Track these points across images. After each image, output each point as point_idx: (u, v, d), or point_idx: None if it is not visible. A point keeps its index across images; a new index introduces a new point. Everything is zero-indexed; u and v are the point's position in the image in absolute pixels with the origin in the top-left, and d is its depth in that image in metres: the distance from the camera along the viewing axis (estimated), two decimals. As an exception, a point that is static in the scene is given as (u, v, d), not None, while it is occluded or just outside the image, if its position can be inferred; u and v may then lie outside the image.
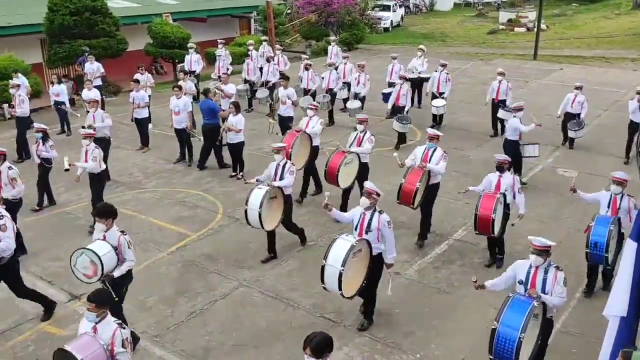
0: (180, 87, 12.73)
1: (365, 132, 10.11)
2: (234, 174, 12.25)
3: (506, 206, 8.29)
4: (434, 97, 15.19)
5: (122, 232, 6.47)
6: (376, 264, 6.96)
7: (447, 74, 15.28)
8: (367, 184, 7.05)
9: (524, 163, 11.73)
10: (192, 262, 8.83)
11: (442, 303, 7.87)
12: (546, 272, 5.76)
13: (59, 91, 14.61)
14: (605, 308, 5.39)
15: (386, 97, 15.98)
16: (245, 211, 8.35)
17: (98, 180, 9.65)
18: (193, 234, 9.71)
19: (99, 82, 16.61)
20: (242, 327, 7.27)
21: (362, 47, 29.45)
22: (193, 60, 18.31)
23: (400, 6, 40.30)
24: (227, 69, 18.06)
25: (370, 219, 6.85)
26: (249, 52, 18.72)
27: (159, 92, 18.47)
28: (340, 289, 6.36)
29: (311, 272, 8.06)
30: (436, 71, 15.44)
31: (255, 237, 9.22)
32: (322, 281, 6.54)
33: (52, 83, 14.82)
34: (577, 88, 13.74)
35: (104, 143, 10.78)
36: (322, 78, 16.34)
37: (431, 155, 8.90)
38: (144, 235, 9.56)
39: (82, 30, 18.46)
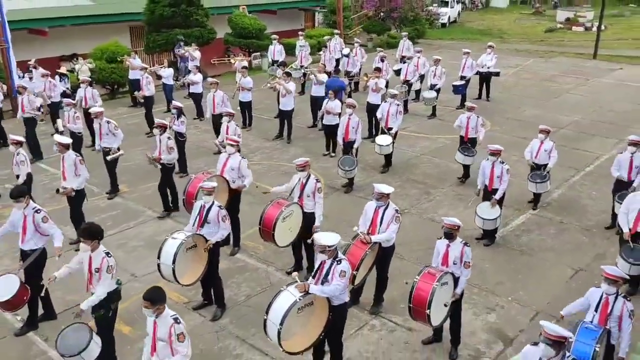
0: (290, 75, 14.61)
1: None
2: (326, 152, 13.91)
3: (457, 281, 6.78)
4: (382, 131, 12.78)
5: (107, 253, 6.31)
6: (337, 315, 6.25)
7: (398, 104, 12.87)
8: (316, 235, 6.26)
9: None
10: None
11: (525, 262, 9.33)
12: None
13: (168, 74, 16.55)
14: None
15: (456, 89, 17.39)
16: (158, 265, 7.17)
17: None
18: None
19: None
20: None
21: (423, 42, 30.65)
22: (276, 50, 20.03)
23: (457, 2, 41.29)
24: (308, 59, 19.69)
25: (329, 270, 6.12)
26: (327, 44, 20.31)
27: (228, 80, 20.00)
28: (280, 344, 5.82)
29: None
30: (385, 101, 13.17)
31: (353, 206, 10.78)
32: (266, 333, 5.98)
33: (163, 67, 16.80)
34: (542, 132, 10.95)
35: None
36: (395, 70, 17.86)
37: (382, 215, 7.38)
38: (262, 197, 11.20)
39: (178, 21, 20.40)
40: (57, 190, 9.12)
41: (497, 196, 9.59)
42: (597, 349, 5.58)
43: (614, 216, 9.95)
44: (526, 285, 8.63)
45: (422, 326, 7.41)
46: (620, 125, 16.03)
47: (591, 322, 6.03)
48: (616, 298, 6.04)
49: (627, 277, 6.63)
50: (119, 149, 10.99)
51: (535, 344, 5.14)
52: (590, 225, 10.60)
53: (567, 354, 4.98)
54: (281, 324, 5.70)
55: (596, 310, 6.08)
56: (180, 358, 5.37)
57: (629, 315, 5.98)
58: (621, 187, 9.86)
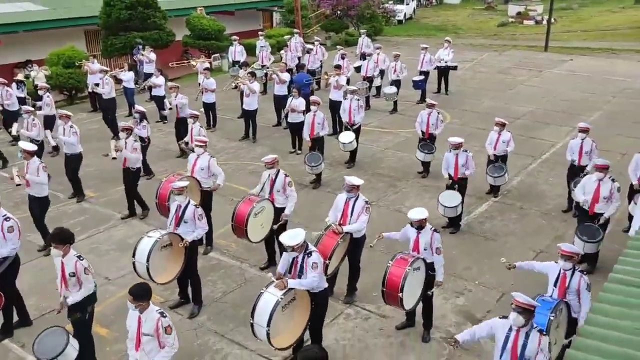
0: (254, 74, 14.82)
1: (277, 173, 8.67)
2: (292, 150, 14.08)
3: (429, 266, 7.04)
4: (346, 128, 13.07)
5: (79, 257, 6.36)
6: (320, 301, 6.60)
7: (358, 100, 13.13)
8: (282, 237, 6.45)
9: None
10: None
11: (489, 247, 9.71)
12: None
13: (128, 78, 16.41)
14: None
15: (416, 84, 17.79)
16: (133, 263, 7.23)
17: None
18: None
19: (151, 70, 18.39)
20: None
21: (380, 39, 31.07)
22: (237, 51, 20.06)
23: (412, -1, 42.03)
24: (269, 59, 19.82)
25: (302, 264, 6.40)
26: (288, 43, 20.46)
27: (188, 83, 19.96)
28: (270, 343, 6.07)
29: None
30: (345, 98, 13.40)
31: (322, 200, 11.01)
32: (254, 335, 6.22)
33: (123, 70, 16.63)
34: (498, 125, 11.28)
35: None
36: (356, 67, 18.17)
37: (352, 206, 7.67)
38: (233, 196, 11.31)
39: (136, 24, 20.21)
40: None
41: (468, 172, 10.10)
42: (552, 318, 5.86)
43: (570, 200, 10.51)
44: (491, 269, 9.00)
45: (395, 312, 7.70)
46: (572, 114, 16.75)
47: (550, 296, 6.33)
48: (573, 273, 6.40)
49: (582, 252, 7.03)
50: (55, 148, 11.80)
51: (505, 317, 5.45)
52: (548, 209, 11.09)
53: (535, 324, 5.30)
54: (268, 325, 5.88)
55: (555, 285, 6.45)
56: (168, 350, 5.55)
57: (586, 288, 6.34)
58: (574, 172, 10.45)
